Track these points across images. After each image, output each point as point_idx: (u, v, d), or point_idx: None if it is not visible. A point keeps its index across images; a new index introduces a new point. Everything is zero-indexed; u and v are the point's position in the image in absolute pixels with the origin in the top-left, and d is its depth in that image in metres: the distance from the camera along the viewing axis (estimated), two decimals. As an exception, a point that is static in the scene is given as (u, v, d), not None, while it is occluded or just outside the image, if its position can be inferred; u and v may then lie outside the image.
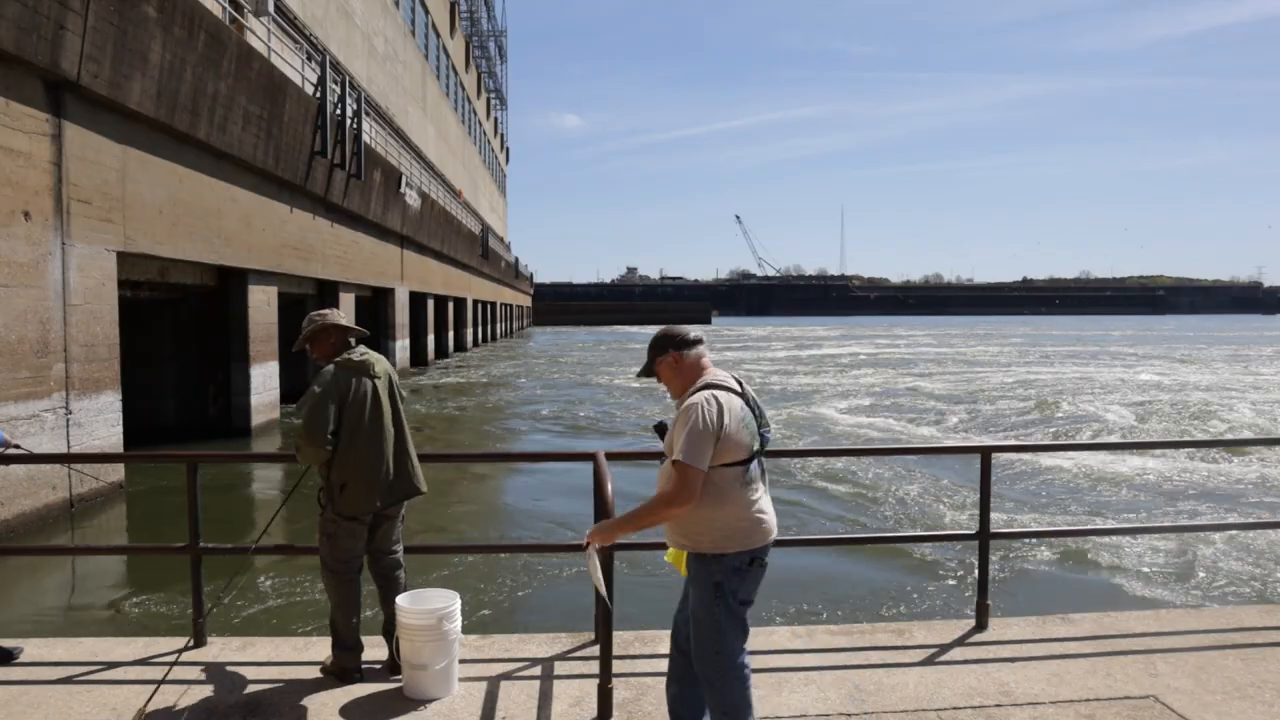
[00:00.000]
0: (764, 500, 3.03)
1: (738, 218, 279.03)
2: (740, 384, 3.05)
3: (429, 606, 3.80)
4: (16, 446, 4.62)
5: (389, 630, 4.03)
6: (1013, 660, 4.17)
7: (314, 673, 4.00)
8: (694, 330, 3.11)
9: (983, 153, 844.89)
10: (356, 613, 3.99)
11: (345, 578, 3.97)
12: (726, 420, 2.89)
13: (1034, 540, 8.39)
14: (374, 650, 4.11)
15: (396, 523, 4.15)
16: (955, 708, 3.68)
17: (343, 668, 3.95)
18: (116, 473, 11.04)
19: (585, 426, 17.93)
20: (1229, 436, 15.70)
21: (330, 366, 3.92)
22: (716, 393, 2.94)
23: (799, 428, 17.16)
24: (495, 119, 75.22)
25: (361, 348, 4.05)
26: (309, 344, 4.02)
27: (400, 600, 3.85)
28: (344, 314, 4.16)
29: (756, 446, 2.97)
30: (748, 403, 3.00)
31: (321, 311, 4.08)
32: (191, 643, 4.27)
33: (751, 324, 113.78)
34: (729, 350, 48.58)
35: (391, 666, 3.98)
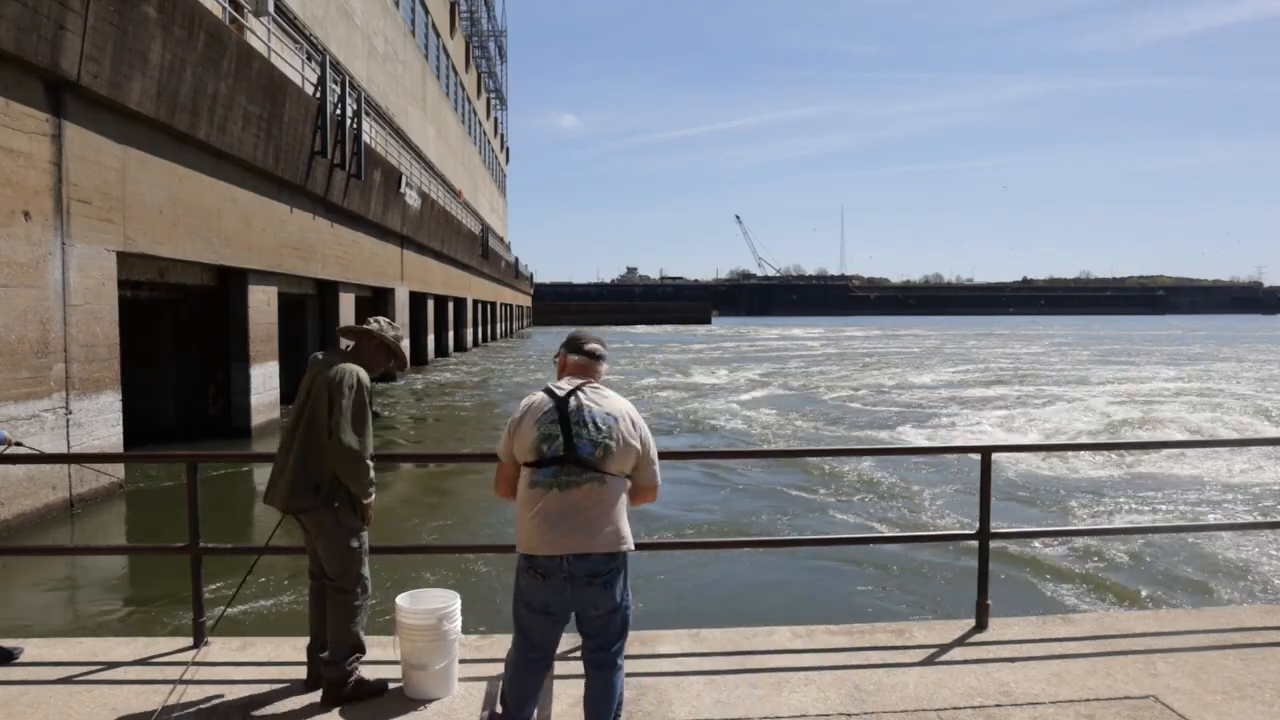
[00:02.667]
0: (554, 514, 2.92)
1: (738, 218, 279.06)
2: (571, 393, 3.05)
3: (429, 606, 3.79)
4: (18, 445, 4.61)
5: (314, 648, 3.85)
6: (1013, 660, 4.17)
7: (314, 673, 3.99)
8: (591, 342, 3.25)
9: (983, 153, 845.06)
10: (314, 617, 3.88)
11: (310, 582, 3.93)
12: (516, 417, 3.08)
13: (1034, 540, 8.39)
14: (375, 650, 4.08)
15: (317, 538, 3.76)
16: (955, 708, 3.68)
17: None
18: (116, 472, 11.04)
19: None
20: (1229, 436, 15.70)
21: None
22: (535, 394, 3.12)
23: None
24: (495, 119, 75.19)
25: (323, 351, 3.95)
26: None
27: (400, 600, 3.83)
28: (348, 319, 4.07)
29: (545, 451, 2.96)
30: (563, 411, 3.00)
31: (380, 324, 4.01)
32: (191, 643, 4.28)
33: (756, 324, 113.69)
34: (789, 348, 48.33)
35: (325, 698, 3.72)
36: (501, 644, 4.35)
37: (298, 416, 3.76)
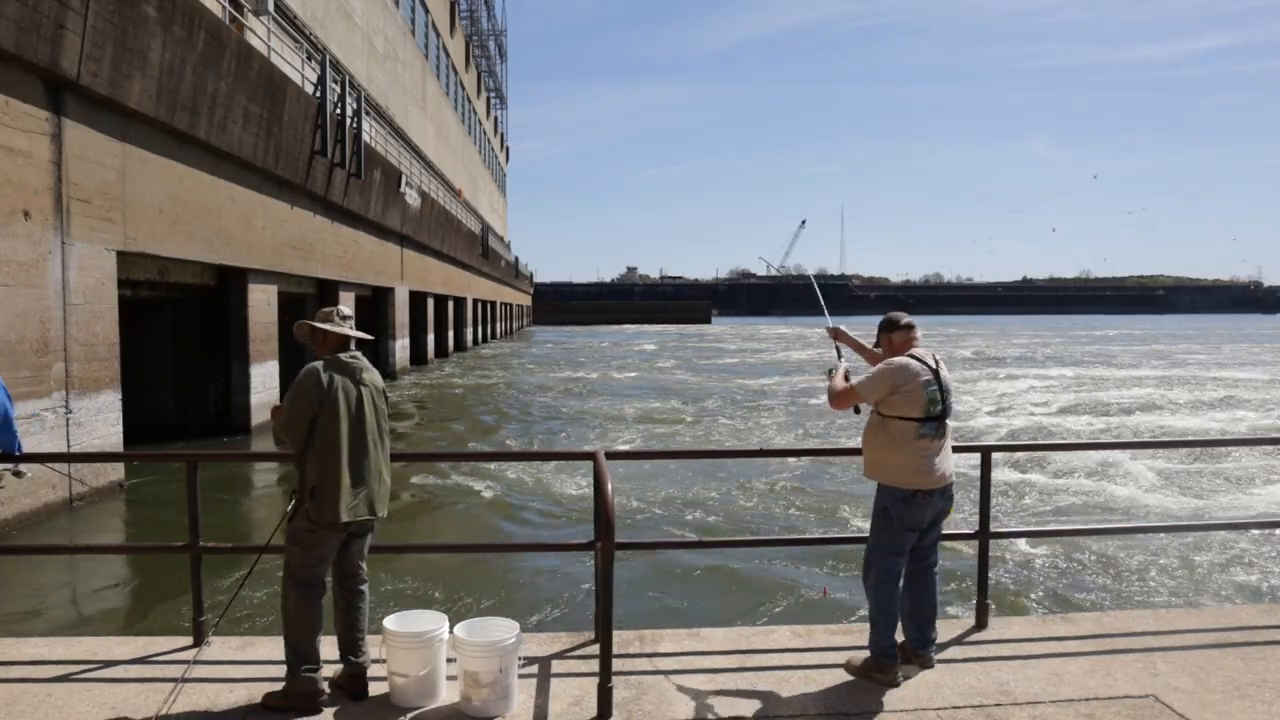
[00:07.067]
0: (936, 455, 3.95)
1: (803, 222, 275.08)
2: (938, 365, 4.00)
3: (416, 629, 3.70)
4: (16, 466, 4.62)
5: (355, 649, 3.79)
6: (1013, 660, 4.17)
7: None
8: (905, 318, 4.10)
9: (981, 151, 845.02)
10: (320, 630, 3.70)
11: (317, 592, 3.70)
12: (896, 371, 3.92)
13: (1034, 540, 8.39)
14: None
15: (366, 541, 3.91)
16: (955, 707, 3.68)
17: (303, 693, 3.60)
18: (116, 472, 11.05)
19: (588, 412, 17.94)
20: (1228, 436, 15.69)
21: (318, 362, 3.78)
22: (907, 360, 3.95)
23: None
24: (495, 118, 75.16)
25: (358, 352, 3.89)
26: (311, 338, 3.88)
27: (388, 623, 3.74)
28: (351, 317, 3.93)
29: (932, 411, 3.91)
30: (939, 381, 3.94)
31: (342, 314, 3.88)
32: (191, 642, 4.28)
33: (763, 323, 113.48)
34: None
35: (352, 691, 3.75)
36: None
37: (378, 428, 3.84)
